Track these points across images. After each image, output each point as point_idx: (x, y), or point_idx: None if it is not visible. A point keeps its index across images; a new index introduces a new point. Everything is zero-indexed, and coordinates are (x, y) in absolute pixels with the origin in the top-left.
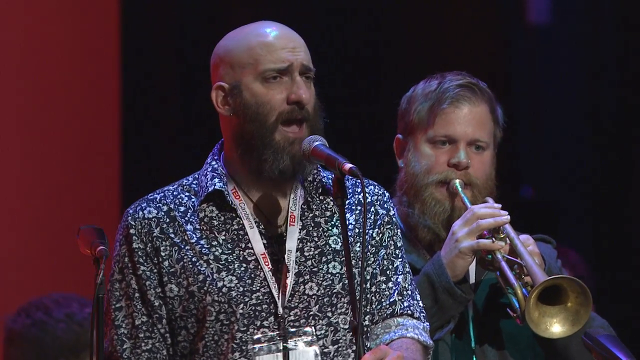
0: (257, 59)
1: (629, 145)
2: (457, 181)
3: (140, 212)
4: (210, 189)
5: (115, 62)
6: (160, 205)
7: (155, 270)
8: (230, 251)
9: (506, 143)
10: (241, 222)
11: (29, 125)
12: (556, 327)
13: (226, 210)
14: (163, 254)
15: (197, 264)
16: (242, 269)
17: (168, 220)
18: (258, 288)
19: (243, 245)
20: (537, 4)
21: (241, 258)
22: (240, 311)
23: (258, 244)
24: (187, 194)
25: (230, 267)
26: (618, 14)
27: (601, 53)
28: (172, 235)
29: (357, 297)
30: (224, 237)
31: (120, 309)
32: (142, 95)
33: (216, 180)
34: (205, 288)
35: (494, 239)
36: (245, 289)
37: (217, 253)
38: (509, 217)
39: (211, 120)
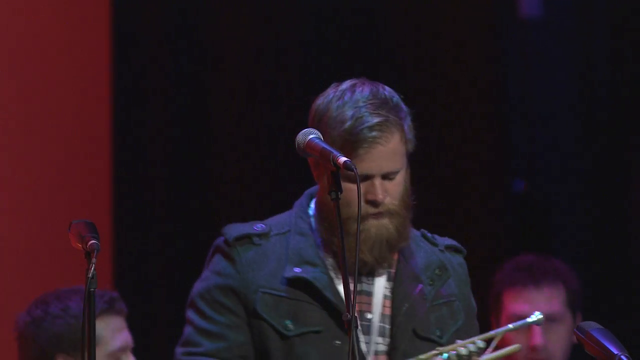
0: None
1: (622, 139)
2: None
3: None
4: None
5: (106, 55)
6: None
7: None
8: None
9: (498, 137)
10: None
11: (18, 119)
12: None
13: None
14: None
15: None
16: None
17: None
18: None
19: None
20: None
21: None
22: None
23: None
24: None
25: None
26: (610, 7)
27: (594, 46)
28: None
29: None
30: None
31: None
32: (134, 89)
33: None
34: None
35: None
36: None
37: None
38: None
39: (203, 117)
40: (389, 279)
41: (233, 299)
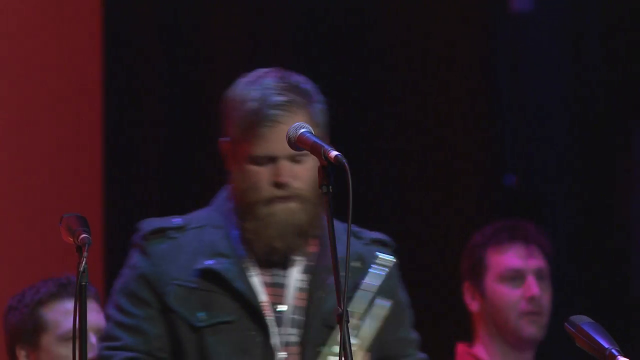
0: None
1: (614, 133)
2: None
3: None
4: None
5: (98, 50)
6: None
7: None
8: None
9: (489, 130)
10: None
11: (10, 115)
12: None
13: None
14: None
15: None
16: None
17: None
18: None
19: None
20: None
21: None
22: None
23: None
24: None
25: None
26: (602, 2)
27: (585, 39)
28: None
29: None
30: None
31: None
32: (125, 84)
33: None
34: None
35: None
36: None
37: None
38: None
39: (194, 112)
40: (304, 271)
41: (148, 291)
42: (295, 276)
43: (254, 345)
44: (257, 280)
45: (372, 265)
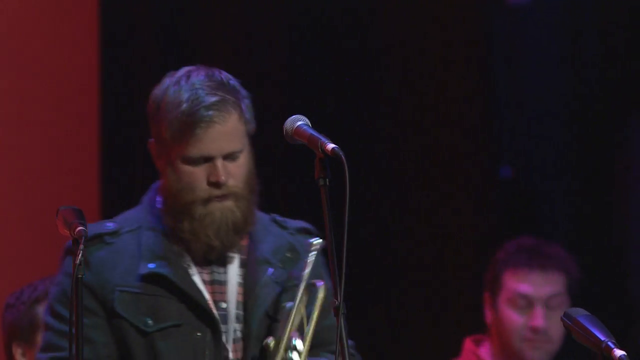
0: None
1: (612, 129)
2: None
3: None
4: None
5: (94, 44)
6: None
7: None
8: None
9: (485, 123)
10: None
11: (6, 113)
12: None
13: None
14: None
15: None
16: None
17: None
18: None
19: None
20: None
21: None
22: None
23: None
24: None
25: None
26: None
27: (583, 32)
28: None
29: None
30: None
31: None
32: (121, 76)
33: None
34: None
35: None
36: None
37: None
38: None
39: None
40: (240, 265)
41: (90, 299)
42: (233, 271)
43: (204, 345)
44: (197, 279)
45: (308, 255)
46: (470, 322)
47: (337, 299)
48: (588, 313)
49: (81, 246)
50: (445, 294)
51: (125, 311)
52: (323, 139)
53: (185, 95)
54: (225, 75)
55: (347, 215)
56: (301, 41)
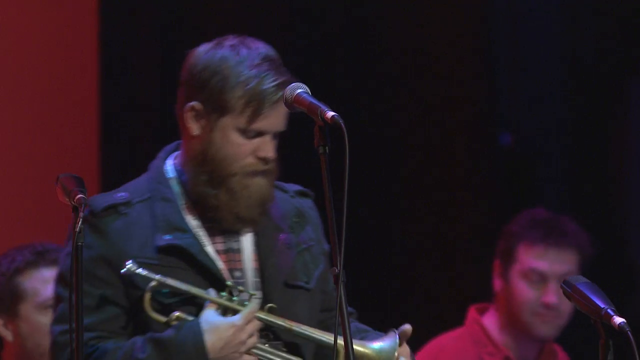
0: None
1: (609, 93)
2: None
3: None
4: None
5: (94, 41)
6: None
7: None
8: None
9: (485, 90)
10: None
11: (6, 109)
12: None
13: None
14: None
15: None
16: None
17: None
18: None
19: None
20: None
21: None
22: None
23: None
24: None
25: None
26: None
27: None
28: None
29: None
30: None
31: None
32: (121, 49)
33: None
34: None
35: None
36: None
37: None
38: None
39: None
40: (253, 233)
41: (106, 270)
42: (247, 239)
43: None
44: (210, 249)
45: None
46: (475, 289)
47: (336, 267)
48: (588, 280)
49: (81, 214)
50: (448, 261)
51: (143, 283)
52: (323, 106)
53: (253, 71)
54: (272, 50)
55: (347, 183)
56: (302, 39)
